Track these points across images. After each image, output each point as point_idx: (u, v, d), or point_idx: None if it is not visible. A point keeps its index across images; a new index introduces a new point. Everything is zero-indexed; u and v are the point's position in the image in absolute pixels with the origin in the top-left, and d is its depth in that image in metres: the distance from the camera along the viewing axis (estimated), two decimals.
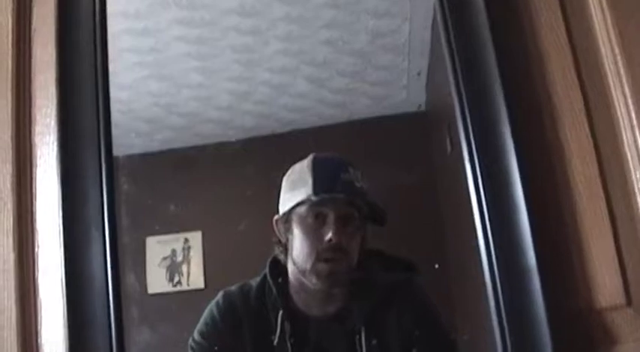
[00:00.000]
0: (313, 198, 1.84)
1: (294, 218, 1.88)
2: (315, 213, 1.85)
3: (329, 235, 1.82)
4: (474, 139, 1.33)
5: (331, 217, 1.84)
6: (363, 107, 3.09)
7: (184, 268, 2.95)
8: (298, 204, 1.87)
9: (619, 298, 1.24)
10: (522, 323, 1.23)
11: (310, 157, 1.92)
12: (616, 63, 1.33)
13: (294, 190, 1.89)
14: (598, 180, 1.30)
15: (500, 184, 1.30)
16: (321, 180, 1.86)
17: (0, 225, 1.38)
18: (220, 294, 1.96)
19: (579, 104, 1.34)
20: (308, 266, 1.84)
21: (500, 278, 1.26)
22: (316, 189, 1.84)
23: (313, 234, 1.85)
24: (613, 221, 1.28)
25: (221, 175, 2.97)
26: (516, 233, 1.26)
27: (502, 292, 1.25)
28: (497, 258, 1.27)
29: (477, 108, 1.35)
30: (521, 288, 1.24)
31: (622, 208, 1.29)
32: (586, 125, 1.33)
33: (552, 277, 1.23)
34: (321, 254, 1.83)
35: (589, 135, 1.32)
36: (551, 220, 1.29)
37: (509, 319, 1.24)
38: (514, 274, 1.25)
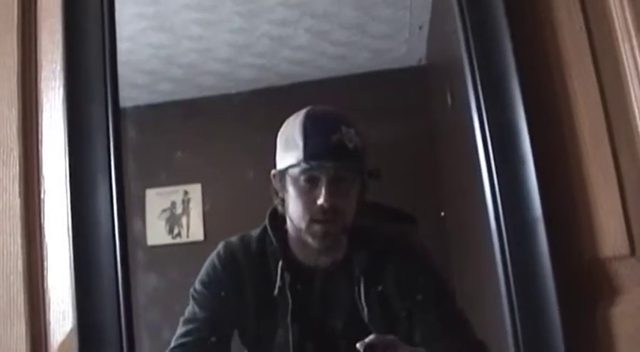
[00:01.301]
0: (303, 164, 1.84)
1: (288, 178, 1.88)
2: (307, 178, 1.85)
3: (321, 199, 1.82)
4: (482, 91, 1.33)
5: (323, 180, 1.83)
6: (363, 60, 3.09)
7: (184, 220, 2.96)
8: (291, 166, 1.87)
9: (623, 248, 1.25)
10: (527, 274, 1.23)
11: (303, 113, 1.90)
12: (624, 15, 1.32)
13: (287, 151, 1.88)
14: (604, 132, 1.30)
15: (507, 136, 1.29)
16: (312, 145, 1.85)
17: (6, 171, 1.38)
18: (221, 245, 1.97)
19: (587, 56, 1.34)
20: (303, 226, 1.85)
21: (505, 228, 1.26)
22: (306, 155, 1.84)
23: (306, 196, 1.85)
24: (618, 172, 1.28)
25: (221, 128, 2.97)
26: (522, 184, 1.26)
27: (507, 243, 1.25)
28: (503, 209, 1.27)
29: (486, 61, 1.34)
30: (527, 239, 1.24)
31: (628, 160, 1.29)
32: (594, 77, 1.32)
33: (557, 228, 1.24)
34: (315, 216, 1.84)
35: (596, 88, 1.32)
36: (558, 171, 1.29)
37: (514, 269, 1.24)
38: (520, 225, 1.25)
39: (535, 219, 1.24)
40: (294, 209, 1.88)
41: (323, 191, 1.82)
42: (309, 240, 1.85)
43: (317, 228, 1.84)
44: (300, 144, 1.85)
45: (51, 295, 1.35)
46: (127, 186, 1.35)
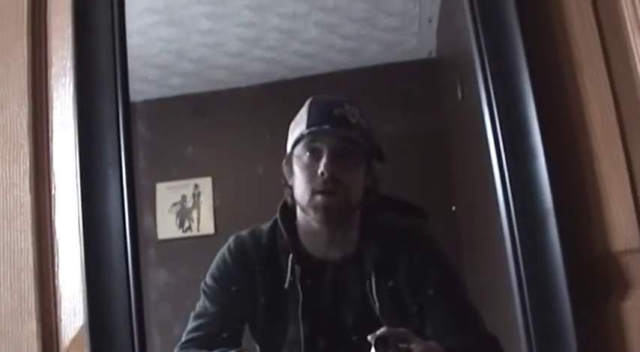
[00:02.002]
0: (305, 132, 1.85)
1: (294, 159, 1.90)
2: (309, 149, 1.87)
3: (321, 168, 1.83)
4: (492, 85, 1.32)
5: (325, 151, 1.85)
6: (373, 53, 3.08)
7: (194, 214, 2.97)
8: (295, 143, 1.88)
9: (635, 241, 1.24)
10: (538, 267, 1.23)
11: (309, 99, 1.93)
12: (635, 7, 1.31)
13: (293, 132, 1.91)
14: (615, 126, 1.29)
15: (518, 130, 1.29)
16: (314, 115, 1.87)
17: (17, 168, 1.38)
18: (232, 239, 1.97)
19: (598, 49, 1.33)
20: (306, 200, 1.86)
21: (516, 222, 1.26)
22: (309, 123, 1.86)
23: (309, 169, 1.87)
24: (630, 166, 1.27)
25: (231, 122, 2.97)
26: (533, 178, 1.26)
27: (519, 236, 1.25)
28: (514, 202, 1.27)
29: (495, 53, 1.34)
30: (538, 232, 1.24)
31: (639, 153, 1.28)
32: (604, 71, 1.32)
33: (568, 221, 1.24)
34: (316, 188, 1.85)
35: (607, 81, 1.31)
36: (568, 165, 1.29)
37: (525, 263, 1.24)
38: (531, 218, 1.25)
39: (546, 212, 1.24)
40: (298, 186, 1.89)
41: (324, 160, 1.83)
42: (312, 213, 1.85)
43: (318, 199, 1.84)
44: (305, 118, 1.87)
45: (62, 291, 1.35)
46: (137, 181, 1.36)
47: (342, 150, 1.86)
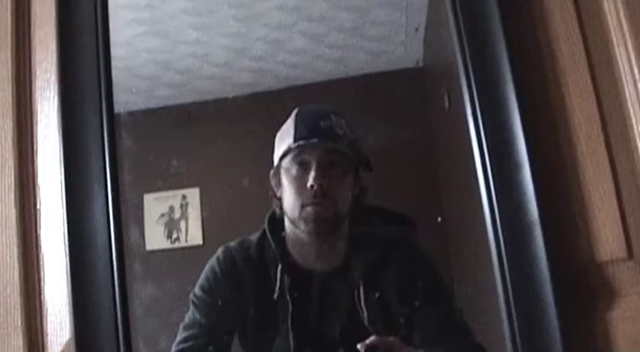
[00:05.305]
0: (292, 146, 1.85)
1: (282, 171, 1.90)
2: (298, 162, 1.87)
3: (310, 181, 1.83)
4: (477, 95, 1.33)
5: (313, 164, 1.85)
6: (360, 63, 3.08)
7: (182, 225, 2.96)
8: (283, 156, 1.89)
9: (620, 251, 1.25)
10: (524, 278, 1.23)
11: (295, 110, 1.93)
12: (619, 18, 1.32)
13: (281, 144, 1.91)
14: (600, 136, 1.30)
15: (503, 140, 1.30)
16: (301, 128, 1.87)
17: (1, 182, 1.37)
18: (221, 250, 1.96)
19: (582, 60, 1.34)
20: (296, 214, 1.86)
21: (502, 233, 1.26)
22: (296, 137, 1.86)
23: (298, 182, 1.87)
24: (615, 176, 1.28)
25: (218, 132, 2.97)
26: (519, 188, 1.26)
27: (505, 247, 1.26)
28: (500, 213, 1.27)
29: (480, 64, 1.35)
30: (524, 243, 1.24)
31: (624, 164, 1.29)
32: (589, 81, 1.32)
33: (554, 231, 1.24)
34: (306, 200, 1.85)
35: (592, 91, 1.32)
36: (554, 175, 1.29)
37: (511, 274, 1.25)
38: (517, 229, 1.25)
39: (532, 223, 1.24)
40: (287, 199, 1.89)
41: (312, 173, 1.84)
42: (302, 225, 1.85)
43: (308, 211, 1.84)
44: (292, 130, 1.87)
45: (48, 306, 1.34)
46: (123, 194, 1.35)
47: (329, 162, 1.86)
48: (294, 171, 1.87)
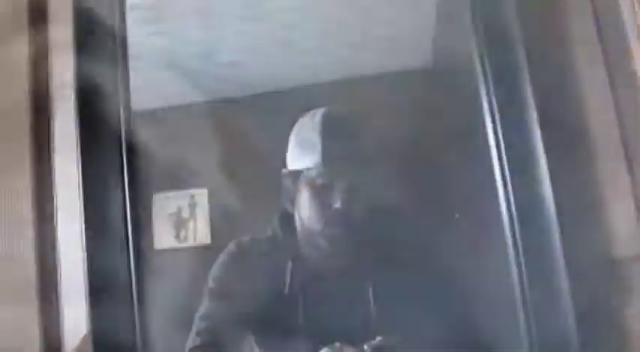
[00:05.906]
0: (321, 169, 1.83)
1: (303, 180, 1.87)
2: (323, 181, 1.84)
3: (338, 204, 1.81)
4: (494, 92, 1.33)
5: (340, 186, 1.83)
6: (370, 63, 3.09)
7: (191, 224, 2.97)
8: (307, 168, 1.86)
9: (637, 249, 1.25)
10: (542, 275, 1.24)
11: (319, 116, 1.89)
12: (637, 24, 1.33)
13: (303, 152, 1.87)
14: (617, 133, 1.30)
15: (520, 139, 1.30)
16: (329, 149, 1.84)
17: (19, 180, 1.38)
18: (233, 243, 1.95)
19: (599, 56, 1.34)
20: (318, 229, 1.84)
21: (520, 230, 1.27)
22: (325, 158, 1.83)
23: (322, 199, 1.84)
24: (632, 173, 1.28)
25: (227, 132, 2.98)
26: (536, 186, 1.27)
27: (522, 244, 1.26)
28: (517, 210, 1.27)
29: (497, 61, 1.35)
30: (541, 240, 1.25)
31: None
32: (606, 78, 1.32)
33: (572, 229, 1.24)
34: (330, 220, 1.83)
35: (608, 87, 1.32)
36: (570, 173, 1.29)
37: (528, 271, 1.25)
38: (534, 227, 1.26)
39: (549, 221, 1.25)
40: (308, 211, 1.87)
41: (340, 196, 1.81)
42: (323, 242, 1.84)
43: (330, 232, 1.82)
44: (319, 146, 1.83)
45: (64, 301, 1.35)
46: (138, 191, 1.36)
47: (357, 185, 1.84)
48: (318, 187, 1.84)
